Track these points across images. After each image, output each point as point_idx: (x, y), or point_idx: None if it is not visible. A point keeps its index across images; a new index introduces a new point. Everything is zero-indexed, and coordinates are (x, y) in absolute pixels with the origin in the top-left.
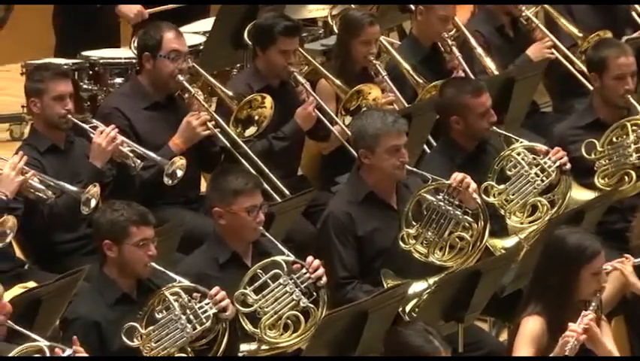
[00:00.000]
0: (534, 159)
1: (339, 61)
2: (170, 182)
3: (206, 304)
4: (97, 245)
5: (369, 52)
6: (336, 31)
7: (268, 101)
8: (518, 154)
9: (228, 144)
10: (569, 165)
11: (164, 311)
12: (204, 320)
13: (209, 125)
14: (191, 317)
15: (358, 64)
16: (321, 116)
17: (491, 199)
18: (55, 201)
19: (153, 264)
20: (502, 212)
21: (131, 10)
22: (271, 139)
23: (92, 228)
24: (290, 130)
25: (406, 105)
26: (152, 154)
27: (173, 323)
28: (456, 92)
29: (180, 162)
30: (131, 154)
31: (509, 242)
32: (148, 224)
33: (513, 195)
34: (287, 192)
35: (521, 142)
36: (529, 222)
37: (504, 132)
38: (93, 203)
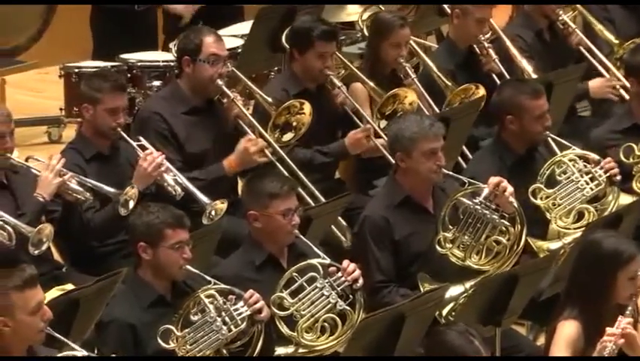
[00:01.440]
0: (585, 166)
1: (369, 63)
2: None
3: (242, 306)
4: (132, 247)
5: (399, 54)
6: (366, 34)
7: (307, 107)
8: (570, 160)
9: (269, 154)
10: (619, 177)
11: (199, 314)
12: (239, 322)
13: (267, 152)
14: (227, 318)
15: (388, 66)
16: (356, 120)
17: (538, 202)
18: (93, 216)
19: (188, 266)
20: (548, 215)
21: (181, 6)
22: (314, 152)
23: (129, 229)
24: (336, 149)
25: (435, 108)
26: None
27: (209, 325)
28: (514, 92)
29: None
30: (172, 183)
31: (554, 245)
32: (183, 227)
33: (561, 199)
34: (321, 197)
35: (573, 149)
36: (575, 228)
37: (557, 138)
38: (131, 205)
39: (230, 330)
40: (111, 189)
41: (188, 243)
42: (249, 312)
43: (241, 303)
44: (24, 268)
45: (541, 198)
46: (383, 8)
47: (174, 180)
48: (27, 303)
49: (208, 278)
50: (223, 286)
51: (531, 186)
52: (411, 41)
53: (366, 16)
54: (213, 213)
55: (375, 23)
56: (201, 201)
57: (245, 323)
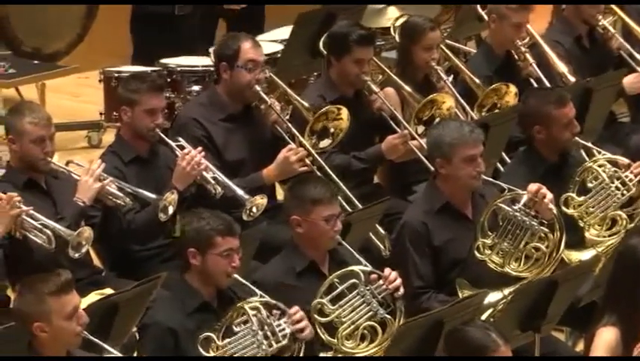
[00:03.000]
0: (615, 172)
1: (401, 68)
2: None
3: (285, 322)
4: (181, 252)
5: (431, 57)
6: (397, 39)
7: (344, 113)
8: (600, 166)
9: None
10: None
11: (242, 325)
12: (281, 338)
13: (307, 161)
14: (269, 333)
15: (420, 70)
16: (394, 125)
17: (571, 211)
18: (134, 217)
19: (236, 275)
20: (582, 224)
21: None
22: (351, 158)
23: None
24: (372, 155)
25: (470, 112)
26: (236, 188)
27: (250, 338)
28: (539, 102)
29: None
30: (212, 181)
31: (586, 255)
32: (233, 235)
33: (593, 207)
34: (358, 203)
35: (603, 154)
36: (608, 236)
37: (587, 144)
38: (170, 210)
39: (270, 345)
40: (151, 195)
41: (237, 251)
42: (291, 329)
43: (285, 319)
44: (59, 273)
45: (573, 207)
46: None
47: (214, 178)
48: (63, 308)
49: (255, 289)
50: (269, 299)
51: (564, 193)
52: (442, 45)
53: (399, 22)
54: (254, 209)
55: (405, 27)
56: (241, 198)
57: (286, 340)
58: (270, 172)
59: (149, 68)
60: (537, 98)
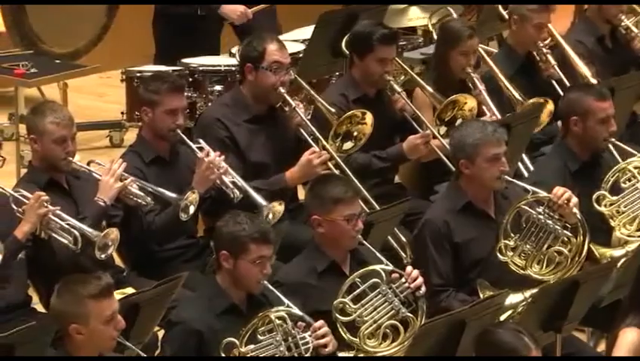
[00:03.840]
0: None
1: (437, 72)
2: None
3: (309, 335)
4: (215, 253)
5: (468, 63)
6: (435, 38)
7: (369, 118)
8: (635, 168)
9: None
10: None
11: (266, 333)
12: (303, 352)
13: (330, 164)
14: (292, 345)
15: (456, 75)
16: (417, 126)
17: (602, 209)
18: (154, 218)
19: (266, 283)
20: (612, 223)
21: (235, 10)
22: (372, 157)
23: (214, 234)
24: (394, 154)
25: (499, 117)
26: (254, 194)
27: (273, 348)
28: (580, 94)
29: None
30: (231, 185)
31: (618, 252)
32: (268, 243)
33: (625, 207)
34: (375, 204)
35: (638, 156)
36: (638, 236)
37: (622, 145)
38: (191, 210)
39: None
40: (172, 194)
41: (270, 259)
42: (314, 344)
43: (309, 332)
44: (101, 276)
45: (605, 206)
46: (451, 9)
47: (232, 182)
48: (102, 312)
49: (282, 298)
50: (296, 311)
51: (595, 192)
52: (480, 50)
53: (434, 19)
54: (271, 215)
55: (443, 31)
56: (259, 204)
57: (309, 354)
58: (293, 174)
59: (170, 68)
60: (579, 90)
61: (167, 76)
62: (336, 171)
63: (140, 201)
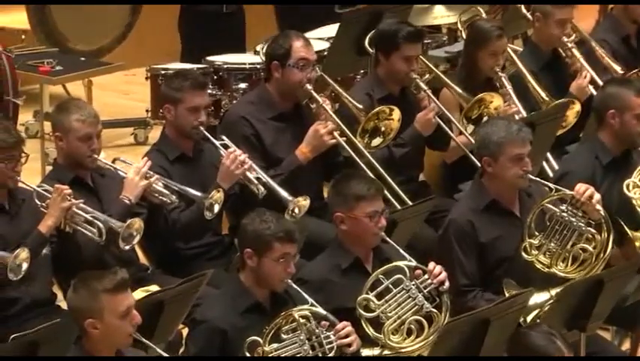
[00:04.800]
0: None
1: (465, 71)
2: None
3: (333, 335)
4: (239, 250)
5: (496, 63)
6: (464, 37)
7: (396, 113)
8: None
9: (353, 154)
10: None
11: (290, 332)
12: (327, 351)
13: (336, 134)
14: (316, 344)
15: (483, 74)
16: (442, 124)
17: (632, 194)
18: (179, 216)
19: (289, 281)
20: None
21: None
22: (391, 146)
23: (237, 232)
24: (409, 136)
25: (523, 113)
26: (279, 189)
27: (297, 347)
28: (619, 88)
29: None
30: (255, 181)
31: None
32: (292, 241)
33: None
34: (406, 199)
35: None
36: None
37: None
38: (216, 208)
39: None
40: (197, 193)
41: (294, 257)
42: (338, 343)
43: (333, 331)
44: (116, 271)
45: (635, 193)
46: (481, 9)
47: (257, 178)
48: (117, 307)
49: (307, 297)
50: (319, 310)
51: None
52: (508, 50)
53: (464, 18)
54: (297, 210)
55: (472, 31)
56: (284, 199)
57: (333, 353)
58: (303, 149)
59: (195, 66)
60: (617, 84)
61: (190, 73)
62: (366, 168)
63: (164, 199)
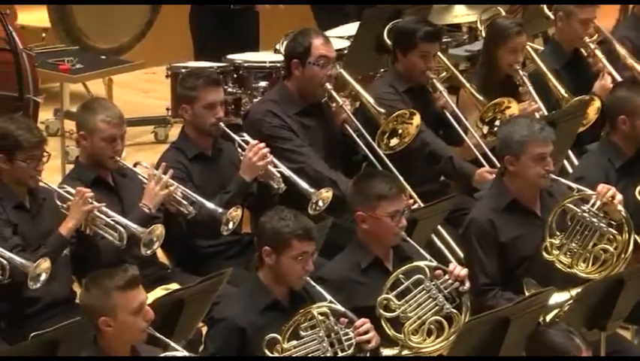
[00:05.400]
0: None
1: (484, 68)
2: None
3: (352, 331)
4: (257, 248)
5: (515, 60)
6: (483, 35)
7: (416, 119)
8: None
9: (370, 154)
10: None
11: (309, 329)
12: (346, 348)
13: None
14: (335, 341)
15: (503, 72)
16: (456, 125)
17: None
18: (199, 211)
19: (308, 279)
20: None
21: None
22: (448, 158)
23: (256, 230)
24: (462, 173)
25: (544, 111)
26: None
27: (316, 344)
28: (629, 93)
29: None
30: (277, 175)
31: None
32: (311, 239)
33: None
34: (420, 202)
35: None
36: None
37: None
38: (231, 225)
39: (336, 353)
40: (218, 209)
41: (312, 255)
42: (357, 340)
43: (352, 328)
44: (127, 268)
45: None
46: (501, 8)
47: (279, 171)
48: (129, 303)
49: (325, 294)
50: (338, 306)
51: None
52: (528, 47)
53: (485, 17)
54: (320, 203)
55: (492, 28)
56: (306, 191)
57: (352, 349)
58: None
59: (215, 64)
60: (627, 88)
61: (202, 71)
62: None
63: (181, 209)
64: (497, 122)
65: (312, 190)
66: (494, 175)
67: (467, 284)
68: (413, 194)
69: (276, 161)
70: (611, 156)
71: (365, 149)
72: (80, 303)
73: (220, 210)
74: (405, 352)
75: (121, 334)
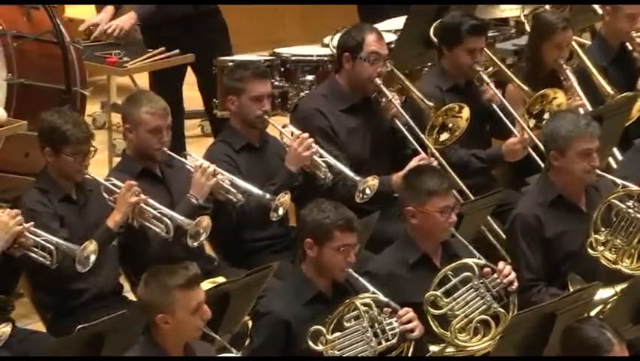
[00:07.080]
0: None
1: (529, 63)
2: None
3: (396, 321)
4: (299, 241)
5: (560, 55)
6: (528, 29)
7: (465, 112)
8: None
9: (419, 148)
10: None
11: (352, 320)
12: (390, 337)
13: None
14: (378, 331)
15: (548, 67)
16: (507, 122)
17: None
18: (248, 199)
19: (350, 271)
20: None
21: None
22: (471, 156)
23: (298, 223)
24: (492, 156)
25: (590, 109)
26: (347, 170)
27: (360, 334)
28: None
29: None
30: (323, 165)
31: None
32: (352, 230)
33: None
34: (471, 196)
35: None
36: None
37: None
38: (281, 211)
39: (380, 343)
40: (266, 195)
41: (354, 247)
42: (400, 329)
43: (395, 318)
44: (188, 266)
45: None
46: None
47: (324, 161)
48: (189, 302)
49: (367, 285)
50: (381, 297)
51: None
52: (573, 42)
53: (527, 11)
54: (368, 191)
55: (537, 23)
56: (352, 180)
57: (395, 339)
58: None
59: (262, 57)
60: None
61: (250, 63)
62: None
63: (230, 197)
64: (546, 115)
65: (358, 178)
66: (521, 144)
67: (516, 284)
68: (464, 188)
69: (321, 151)
70: None
71: (415, 143)
72: (137, 298)
73: (268, 195)
74: (449, 349)
75: (177, 331)
